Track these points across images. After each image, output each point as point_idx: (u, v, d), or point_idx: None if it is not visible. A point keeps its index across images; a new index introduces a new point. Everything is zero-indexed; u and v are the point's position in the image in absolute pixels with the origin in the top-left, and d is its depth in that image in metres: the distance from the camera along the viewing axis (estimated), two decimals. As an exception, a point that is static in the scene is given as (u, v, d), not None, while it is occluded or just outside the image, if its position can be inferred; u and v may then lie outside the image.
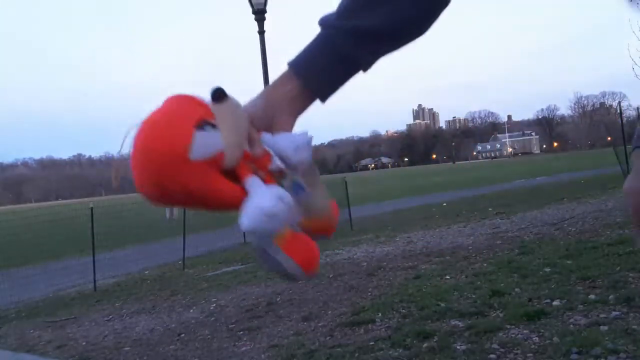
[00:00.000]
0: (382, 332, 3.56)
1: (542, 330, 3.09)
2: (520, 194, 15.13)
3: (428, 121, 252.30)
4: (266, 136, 0.63)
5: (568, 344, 2.80)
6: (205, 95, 0.58)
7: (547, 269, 4.47)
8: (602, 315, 3.18)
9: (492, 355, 2.86)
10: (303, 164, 0.63)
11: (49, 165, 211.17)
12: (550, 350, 2.80)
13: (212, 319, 4.79)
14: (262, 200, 0.57)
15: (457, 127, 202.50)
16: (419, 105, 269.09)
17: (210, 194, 0.58)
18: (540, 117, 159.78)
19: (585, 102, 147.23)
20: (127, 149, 0.56)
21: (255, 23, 9.78)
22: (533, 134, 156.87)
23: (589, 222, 6.89)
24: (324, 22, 0.70)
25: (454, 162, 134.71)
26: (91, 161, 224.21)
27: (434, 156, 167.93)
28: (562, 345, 2.81)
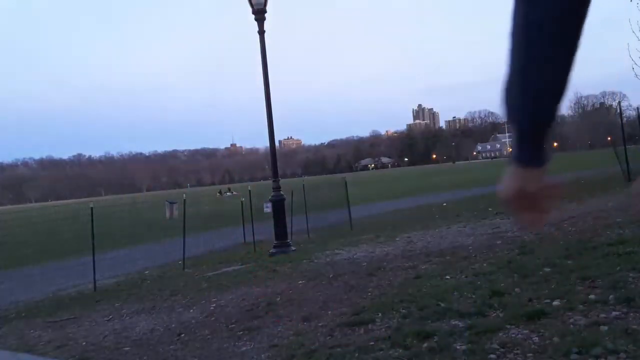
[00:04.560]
0: (382, 332, 3.56)
1: (542, 330, 3.08)
2: (520, 194, 15.10)
3: (428, 121, 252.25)
4: None
5: (568, 344, 2.80)
6: None
7: (547, 269, 4.47)
8: (602, 315, 3.17)
9: (492, 355, 2.86)
10: None
11: (49, 165, 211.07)
12: (550, 350, 2.80)
13: (212, 319, 4.78)
14: None
15: (457, 127, 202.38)
16: (419, 105, 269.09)
17: None
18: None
19: (585, 102, 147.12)
20: None
21: (255, 23, 9.78)
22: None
23: (589, 222, 6.88)
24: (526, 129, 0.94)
25: (454, 162, 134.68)
26: (91, 161, 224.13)
27: (434, 156, 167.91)
28: (562, 345, 2.81)
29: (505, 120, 0.96)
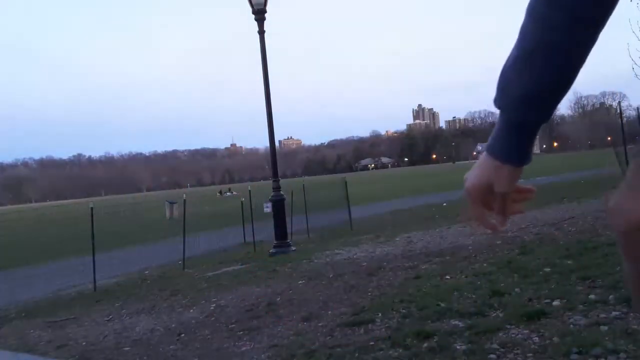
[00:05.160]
0: (382, 332, 3.56)
1: (542, 330, 3.08)
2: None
3: (428, 121, 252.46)
4: None
5: (568, 344, 2.80)
6: None
7: (547, 269, 4.47)
8: (602, 315, 3.17)
9: (492, 355, 2.86)
10: None
11: (49, 165, 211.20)
12: (550, 350, 2.80)
13: (212, 319, 4.78)
14: None
15: (457, 127, 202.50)
16: (419, 105, 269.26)
17: None
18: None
19: (585, 102, 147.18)
20: None
21: (255, 23, 9.78)
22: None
23: (589, 222, 6.88)
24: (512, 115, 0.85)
25: (454, 162, 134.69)
26: (91, 161, 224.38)
27: (434, 156, 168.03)
28: (562, 345, 2.81)
29: (496, 105, 0.86)
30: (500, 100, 0.85)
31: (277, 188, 9.92)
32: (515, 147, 0.86)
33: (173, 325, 4.75)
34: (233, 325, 4.40)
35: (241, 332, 4.16)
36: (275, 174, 10.05)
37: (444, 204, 15.70)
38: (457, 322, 3.47)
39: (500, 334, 3.13)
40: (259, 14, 9.71)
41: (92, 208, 9.18)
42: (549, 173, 25.69)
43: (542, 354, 2.77)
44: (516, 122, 0.84)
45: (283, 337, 3.85)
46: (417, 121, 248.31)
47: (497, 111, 0.88)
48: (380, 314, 3.94)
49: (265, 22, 9.78)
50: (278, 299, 5.10)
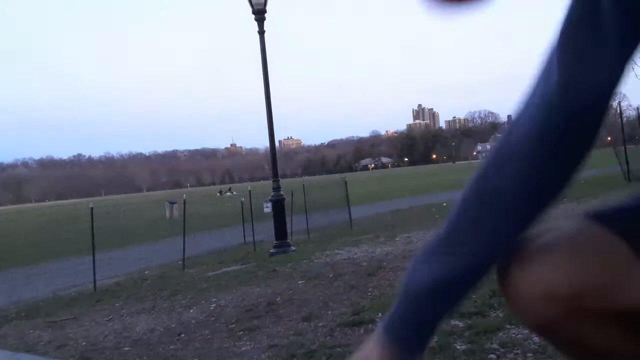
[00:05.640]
0: (382, 332, 3.56)
1: (542, 330, 3.08)
2: (520, 194, 15.11)
3: (428, 121, 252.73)
4: None
5: (568, 344, 2.80)
6: None
7: (547, 269, 4.47)
8: (602, 315, 3.17)
9: (492, 355, 2.86)
10: None
11: (49, 165, 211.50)
12: (550, 350, 2.80)
13: (212, 319, 4.78)
14: None
15: (457, 127, 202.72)
16: (419, 105, 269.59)
17: None
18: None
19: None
20: None
21: (255, 23, 9.78)
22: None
23: (589, 222, 6.88)
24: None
25: (454, 162, 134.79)
26: (91, 161, 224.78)
27: (434, 156, 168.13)
28: (562, 345, 2.81)
29: (402, 289, 0.78)
30: (411, 281, 0.79)
31: (277, 188, 9.92)
32: (420, 329, 0.79)
33: (173, 325, 4.75)
34: (233, 325, 4.40)
35: (241, 332, 4.16)
36: (275, 174, 10.05)
37: (444, 204, 15.70)
38: (457, 322, 3.47)
39: (500, 334, 3.13)
40: (259, 14, 9.71)
41: (92, 208, 9.18)
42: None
43: (542, 354, 2.78)
44: (429, 311, 0.78)
45: (283, 337, 3.85)
46: (417, 121, 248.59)
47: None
48: (380, 314, 3.94)
49: (265, 22, 9.78)
50: (278, 299, 5.10)
